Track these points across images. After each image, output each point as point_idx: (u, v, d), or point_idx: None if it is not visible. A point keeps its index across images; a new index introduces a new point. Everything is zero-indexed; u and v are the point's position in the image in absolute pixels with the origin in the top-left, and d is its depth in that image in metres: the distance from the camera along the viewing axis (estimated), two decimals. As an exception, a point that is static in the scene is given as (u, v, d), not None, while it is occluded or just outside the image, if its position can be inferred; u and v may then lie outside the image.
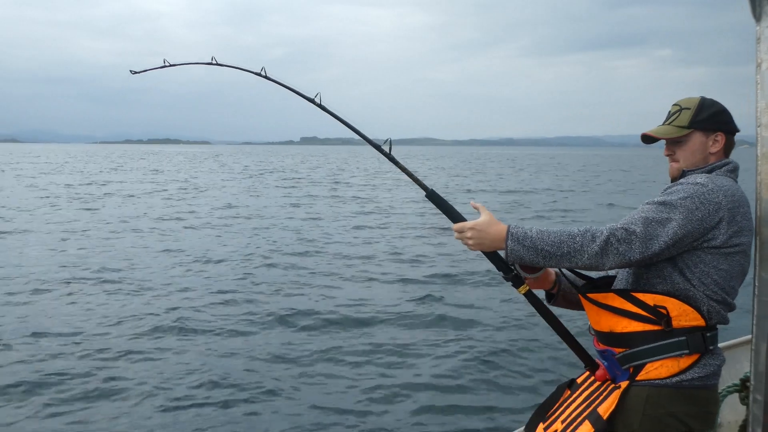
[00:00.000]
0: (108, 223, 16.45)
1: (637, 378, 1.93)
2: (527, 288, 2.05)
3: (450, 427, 4.92)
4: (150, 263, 11.14)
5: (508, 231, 1.94)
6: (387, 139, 2.14)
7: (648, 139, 2.09)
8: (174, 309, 8.09)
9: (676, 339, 1.88)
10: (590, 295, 1.99)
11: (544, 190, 29.92)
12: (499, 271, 2.05)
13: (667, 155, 2.10)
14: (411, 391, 5.52)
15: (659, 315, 1.89)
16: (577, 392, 2.12)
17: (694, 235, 1.87)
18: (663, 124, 2.10)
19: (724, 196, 1.89)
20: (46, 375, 5.85)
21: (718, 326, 1.98)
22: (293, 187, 31.36)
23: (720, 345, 2.01)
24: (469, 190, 30.37)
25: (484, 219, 1.98)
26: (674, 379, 1.89)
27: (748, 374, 1.90)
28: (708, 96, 2.10)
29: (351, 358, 6.35)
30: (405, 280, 9.88)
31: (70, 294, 8.88)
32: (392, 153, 2.19)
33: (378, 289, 9.34)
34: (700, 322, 1.90)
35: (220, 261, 11.39)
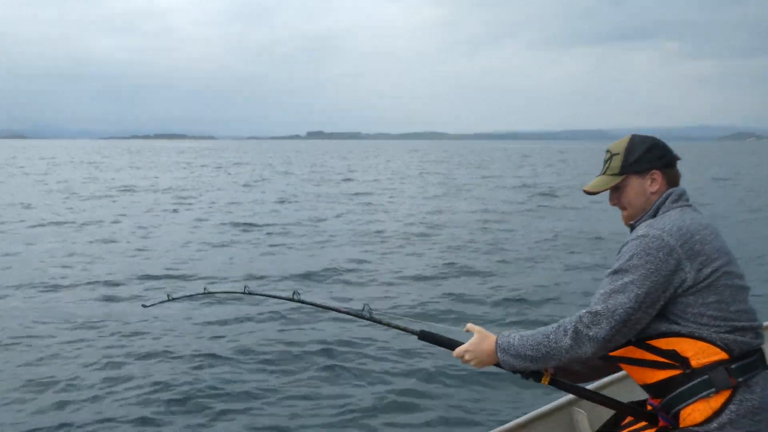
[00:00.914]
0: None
1: (680, 425, 1.84)
2: (549, 377, 2.01)
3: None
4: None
5: (496, 344, 1.97)
6: (365, 305, 2.20)
7: (591, 193, 2.06)
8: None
9: (699, 379, 1.77)
10: (612, 354, 1.93)
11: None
12: (515, 374, 2.03)
13: (614, 205, 2.06)
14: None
15: (678, 357, 1.80)
16: (640, 427, 2.01)
17: (659, 289, 1.79)
18: (599, 174, 2.07)
19: (670, 236, 1.81)
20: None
21: (749, 353, 1.82)
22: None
23: None
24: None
25: (475, 338, 2.01)
26: (713, 425, 1.76)
27: None
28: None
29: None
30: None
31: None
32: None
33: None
34: (722, 355, 1.77)
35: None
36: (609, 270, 1.88)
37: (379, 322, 2.21)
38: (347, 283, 9.66)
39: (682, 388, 1.80)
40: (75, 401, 5.25)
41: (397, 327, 2.21)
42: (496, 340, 1.97)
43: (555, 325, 1.90)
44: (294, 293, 2.35)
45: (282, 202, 21.94)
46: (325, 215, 17.95)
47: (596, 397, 2.09)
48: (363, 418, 4.97)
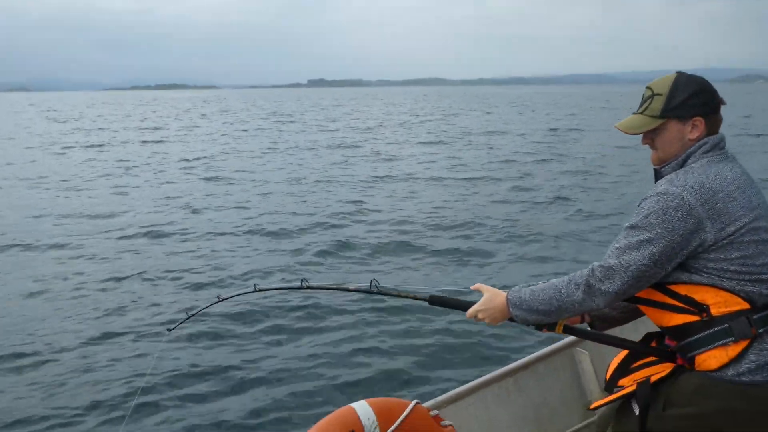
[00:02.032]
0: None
1: (695, 368, 1.84)
2: (562, 325, 2.05)
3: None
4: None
5: (507, 299, 1.99)
6: (371, 281, 2.23)
7: (625, 132, 1.96)
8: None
9: (719, 327, 1.76)
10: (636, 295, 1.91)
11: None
12: (529, 326, 2.05)
13: (645, 144, 1.96)
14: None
15: (697, 305, 1.79)
16: (656, 360, 2.01)
17: (676, 248, 1.76)
18: (636, 112, 1.95)
19: (690, 195, 1.75)
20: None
21: None
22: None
23: None
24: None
25: (486, 297, 2.03)
26: (729, 372, 1.76)
27: None
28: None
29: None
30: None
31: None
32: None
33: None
34: (744, 305, 1.76)
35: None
36: (626, 223, 1.85)
37: (389, 294, 2.23)
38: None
39: (701, 335, 1.79)
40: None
41: (406, 296, 2.24)
42: (507, 296, 1.99)
43: (566, 278, 1.91)
44: (302, 281, 2.34)
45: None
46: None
47: (613, 341, 2.10)
48: (371, 378, 5.45)
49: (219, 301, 2.46)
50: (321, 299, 7.60)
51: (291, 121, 46.29)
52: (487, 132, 33.29)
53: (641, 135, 1.95)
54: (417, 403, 2.24)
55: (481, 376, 2.78)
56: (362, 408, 2.15)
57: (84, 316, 7.50)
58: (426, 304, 2.21)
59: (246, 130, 37.51)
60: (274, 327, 6.98)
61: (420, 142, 27.93)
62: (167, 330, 2.68)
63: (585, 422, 2.86)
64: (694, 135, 1.88)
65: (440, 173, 18.25)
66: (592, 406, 2.06)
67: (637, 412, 1.89)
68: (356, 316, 7.11)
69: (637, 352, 2.08)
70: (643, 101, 1.95)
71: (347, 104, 79.00)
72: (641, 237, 1.79)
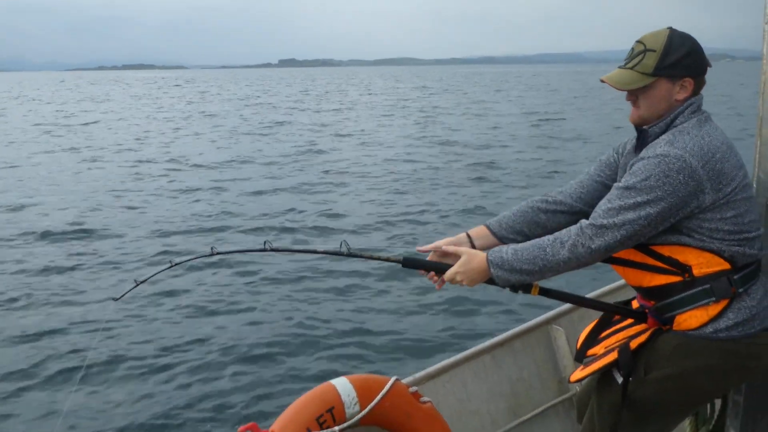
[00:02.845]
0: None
1: (673, 328, 1.86)
2: (538, 287, 1.97)
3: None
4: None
5: (487, 260, 1.92)
6: (342, 242, 2.08)
7: (613, 87, 1.86)
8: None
9: (700, 288, 1.78)
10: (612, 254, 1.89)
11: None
12: (504, 288, 1.97)
13: (628, 100, 1.89)
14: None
15: (679, 265, 1.80)
16: (628, 324, 2.04)
17: (674, 209, 1.74)
18: (624, 66, 1.86)
19: (691, 156, 1.73)
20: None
21: (751, 263, 1.82)
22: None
23: None
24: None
25: (464, 258, 1.95)
26: (708, 329, 1.79)
27: None
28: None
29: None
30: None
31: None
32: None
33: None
34: (725, 266, 1.78)
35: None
36: (619, 184, 1.80)
37: (360, 256, 2.09)
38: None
39: (682, 295, 1.81)
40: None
41: (378, 258, 2.11)
42: (487, 256, 1.92)
43: (551, 237, 1.86)
44: (266, 243, 2.09)
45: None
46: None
47: (585, 302, 2.11)
48: (344, 342, 5.62)
49: (171, 266, 2.14)
50: (286, 264, 7.38)
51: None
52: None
53: (625, 92, 1.88)
54: (396, 379, 2.25)
55: (458, 353, 2.79)
56: (342, 384, 2.15)
57: (28, 279, 7.45)
58: (400, 266, 2.08)
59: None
60: (236, 296, 6.73)
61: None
62: (113, 299, 2.40)
63: (560, 398, 2.90)
64: (681, 96, 1.83)
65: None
66: (572, 379, 2.04)
67: (620, 381, 1.88)
68: (327, 285, 7.00)
69: (606, 321, 2.10)
70: (634, 55, 1.85)
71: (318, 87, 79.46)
72: (638, 199, 1.75)
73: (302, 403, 2.09)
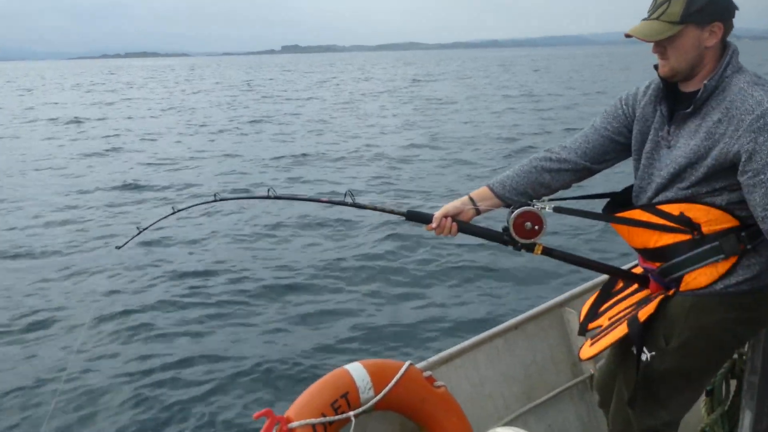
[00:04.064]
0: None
1: (680, 289, 1.83)
2: (541, 247, 1.97)
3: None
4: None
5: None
6: (346, 192, 2.06)
7: (640, 39, 1.77)
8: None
9: (709, 245, 1.75)
10: (617, 215, 1.89)
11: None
12: (507, 246, 1.98)
13: (656, 53, 1.78)
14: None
15: (688, 223, 1.76)
16: (629, 293, 2.04)
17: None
18: (649, 18, 1.75)
19: None
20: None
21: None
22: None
23: None
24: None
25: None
26: (718, 286, 1.77)
27: None
28: None
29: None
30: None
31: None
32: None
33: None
34: (733, 222, 1.74)
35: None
36: (758, 167, 1.61)
37: (364, 207, 2.07)
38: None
39: (690, 254, 1.77)
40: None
41: (383, 210, 2.06)
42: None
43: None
44: (269, 191, 2.07)
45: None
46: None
47: (588, 264, 2.06)
48: (356, 319, 5.74)
49: (174, 213, 2.10)
50: (300, 253, 7.41)
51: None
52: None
53: (651, 44, 1.76)
54: (410, 364, 2.25)
55: (471, 336, 2.77)
56: (356, 370, 2.15)
57: (32, 231, 7.70)
58: (404, 219, 2.05)
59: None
60: (245, 281, 6.72)
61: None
62: (116, 247, 2.34)
63: (574, 380, 2.90)
64: (711, 42, 1.71)
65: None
66: (582, 356, 2.01)
67: (643, 357, 1.86)
68: (336, 272, 6.97)
69: (607, 292, 2.11)
70: (658, 5, 1.73)
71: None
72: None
73: (317, 389, 2.10)
